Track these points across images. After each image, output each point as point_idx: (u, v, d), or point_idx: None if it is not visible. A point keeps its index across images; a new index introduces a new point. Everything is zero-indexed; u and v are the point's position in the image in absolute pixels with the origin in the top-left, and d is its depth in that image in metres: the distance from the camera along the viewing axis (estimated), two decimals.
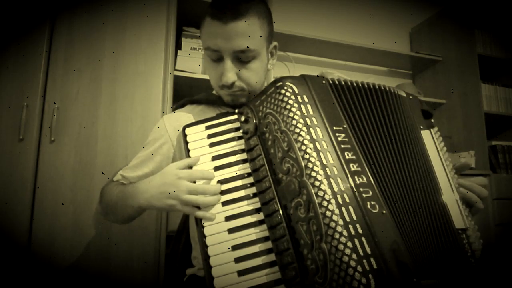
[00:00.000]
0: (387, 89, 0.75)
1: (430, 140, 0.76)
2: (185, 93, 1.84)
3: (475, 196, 0.72)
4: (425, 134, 0.76)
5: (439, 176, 0.72)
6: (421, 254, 0.61)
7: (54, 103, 1.35)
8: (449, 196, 0.70)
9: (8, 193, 1.26)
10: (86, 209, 1.32)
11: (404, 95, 0.79)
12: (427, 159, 0.73)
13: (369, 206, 0.58)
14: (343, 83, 0.72)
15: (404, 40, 2.65)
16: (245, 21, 0.76)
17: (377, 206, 0.59)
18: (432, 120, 0.83)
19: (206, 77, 1.68)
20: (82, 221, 1.31)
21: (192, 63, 1.74)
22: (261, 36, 0.79)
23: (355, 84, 0.73)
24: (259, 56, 0.80)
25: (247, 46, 0.76)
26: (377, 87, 0.74)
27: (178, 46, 1.71)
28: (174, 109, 0.96)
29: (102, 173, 1.35)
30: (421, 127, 0.77)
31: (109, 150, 1.38)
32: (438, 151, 0.75)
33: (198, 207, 0.66)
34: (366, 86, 0.73)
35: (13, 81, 1.32)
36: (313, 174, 0.58)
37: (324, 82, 0.71)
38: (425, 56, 2.36)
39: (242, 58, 0.78)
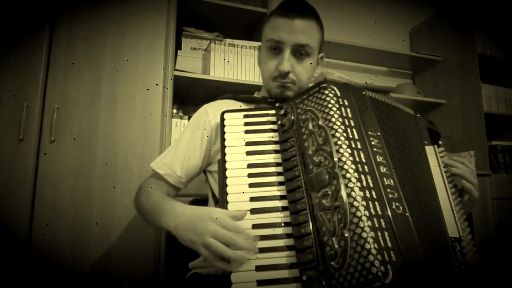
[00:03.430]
0: (401, 107, 0.85)
1: (433, 155, 0.84)
2: (185, 93, 1.84)
3: (469, 184, 0.82)
4: (429, 150, 0.84)
5: (438, 188, 0.79)
6: (433, 256, 0.65)
7: (54, 103, 1.35)
8: (447, 208, 0.77)
9: (8, 193, 1.26)
10: (86, 209, 1.32)
11: (412, 113, 0.88)
12: (429, 172, 0.80)
13: (394, 206, 0.62)
14: (378, 98, 0.79)
15: (404, 40, 2.64)
16: (308, 22, 0.88)
17: (401, 208, 0.63)
18: (440, 142, 0.89)
19: (206, 77, 1.70)
20: (82, 221, 1.31)
21: (192, 63, 1.74)
22: (317, 40, 0.91)
23: (387, 101, 0.81)
24: (312, 56, 0.90)
25: (306, 42, 0.87)
26: (396, 105, 0.84)
27: (178, 46, 1.71)
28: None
29: (100, 177, 1.35)
30: (425, 142, 0.85)
31: (109, 150, 1.38)
32: (439, 165, 0.82)
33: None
34: (391, 103, 0.83)
35: (13, 81, 1.32)
36: (345, 167, 0.62)
37: (364, 93, 0.77)
38: (425, 56, 2.36)
39: (299, 52, 0.88)
